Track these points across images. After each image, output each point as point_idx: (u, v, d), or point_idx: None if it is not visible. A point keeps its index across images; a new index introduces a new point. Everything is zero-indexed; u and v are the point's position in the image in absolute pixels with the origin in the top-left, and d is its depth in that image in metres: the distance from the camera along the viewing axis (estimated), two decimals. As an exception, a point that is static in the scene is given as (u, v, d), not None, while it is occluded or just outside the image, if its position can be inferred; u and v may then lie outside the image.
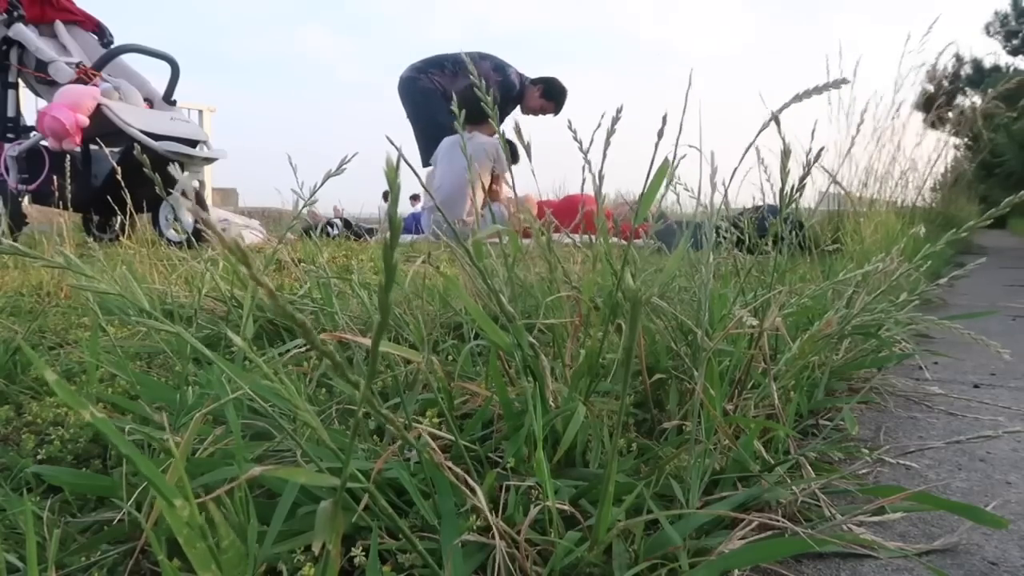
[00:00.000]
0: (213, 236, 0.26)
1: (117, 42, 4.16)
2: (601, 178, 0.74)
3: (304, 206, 0.88)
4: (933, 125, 3.80)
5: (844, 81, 0.60)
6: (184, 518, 0.28)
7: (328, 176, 0.82)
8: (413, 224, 5.11)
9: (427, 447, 0.51)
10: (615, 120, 0.69)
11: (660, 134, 0.62)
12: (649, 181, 0.64)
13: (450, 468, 0.50)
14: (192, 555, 0.29)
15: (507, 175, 4.36)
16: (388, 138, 0.61)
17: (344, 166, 0.81)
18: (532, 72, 4.83)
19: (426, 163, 4.67)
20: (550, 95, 4.72)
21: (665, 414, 0.76)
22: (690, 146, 0.67)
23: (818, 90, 0.59)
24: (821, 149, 0.68)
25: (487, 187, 4.32)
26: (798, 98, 0.60)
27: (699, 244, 0.77)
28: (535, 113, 4.81)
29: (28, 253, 0.45)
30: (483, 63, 4.62)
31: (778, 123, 0.62)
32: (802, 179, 0.70)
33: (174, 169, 0.42)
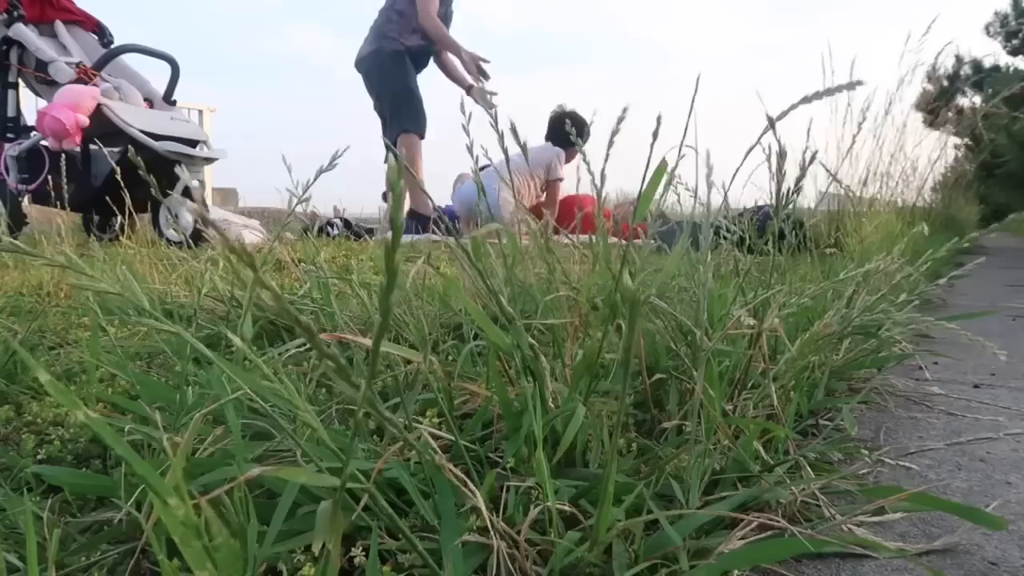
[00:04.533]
0: (216, 237, 0.26)
1: (117, 42, 4.16)
2: (603, 178, 0.74)
3: (298, 203, 0.88)
4: (933, 125, 3.81)
5: (859, 83, 0.59)
6: (179, 517, 0.28)
7: (320, 172, 0.81)
8: (413, 224, 5.09)
9: (427, 447, 0.51)
10: (620, 120, 0.69)
11: (655, 135, 0.61)
12: (646, 181, 0.64)
13: (450, 468, 0.50)
14: (188, 553, 0.29)
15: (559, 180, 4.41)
16: (386, 142, 0.61)
17: (336, 161, 0.80)
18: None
19: (399, 131, 4.21)
20: None
21: (665, 414, 0.76)
22: (687, 146, 0.66)
23: (828, 92, 0.58)
24: (815, 153, 0.68)
25: (533, 193, 4.41)
26: (807, 100, 0.59)
27: (699, 244, 0.77)
28: None
29: (30, 252, 0.45)
30: None
31: (774, 126, 0.62)
32: (798, 181, 0.70)
33: (180, 169, 0.42)
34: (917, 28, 2.87)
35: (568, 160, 4.47)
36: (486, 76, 4.38)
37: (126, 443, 0.28)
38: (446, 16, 4.43)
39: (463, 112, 0.81)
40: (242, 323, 0.45)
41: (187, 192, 3.42)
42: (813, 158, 0.67)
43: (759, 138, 0.63)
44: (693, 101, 0.64)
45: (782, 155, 0.66)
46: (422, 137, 4.34)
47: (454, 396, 0.72)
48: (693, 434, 0.59)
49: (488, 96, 4.17)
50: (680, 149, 0.65)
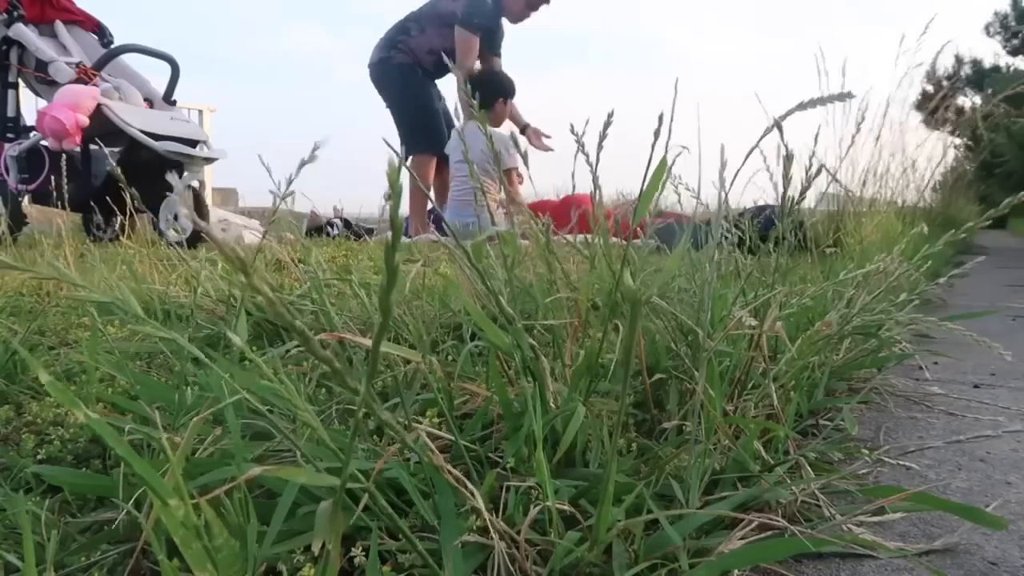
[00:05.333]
0: (213, 243, 0.26)
1: (117, 42, 4.16)
2: (596, 179, 0.74)
3: (282, 199, 0.87)
4: (933, 125, 3.81)
5: (849, 95, 0.59)
6: (179, 518, 0.28)
7: (303, 164, 0.80)
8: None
9: (426, 449, 0.51)
10: (606, 125, 0.69)
11: (656, 134, 0.62)
12: (647, 181, 0.64)
13: (448, 469, 0.50)
14: (188, 554, 0.29)
15: (519, 169, 3.80)
16: (385, 141, 0.61)
17: (317, 152, 0.79)
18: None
19: (410, 153, 4.03)
20: None
21: (665, 414, 0.76)
22: (683, 147, 0.66)
23: (824, 100, 0.58)
24: (822, 166, 0.68)
25: (497, 187, 3.78)
26: (802, 107, 0.59)
27: (699, 244, 0.77)
28: (526, 16, 4.04)
29: (16, 266, 0.42)
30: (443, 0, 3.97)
31: (780, 129, 0.62)
32: (804, 191, 0.70)
33: (172, 178, 0.42)
34: (917, 29, 2.87)
35: (501, 117, 3.88)
36: (544, 147, 4.03)
37: (126, 443, 0.28)
38: (497, 33, 4.07)
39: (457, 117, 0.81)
40: (236, 322, 0.45)
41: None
42: (819, 171, 0.67)
43: (759, 140, 0.63)
44: (702, 109, 0.64)
45: (789, 158, 0.66)
46: (437, 154, 4.02)
47: (454, 396, 0.72)
48: (693, 434, 0.59)
49: (543, 138, 3.94)
50: (656, 139, 0.64)
